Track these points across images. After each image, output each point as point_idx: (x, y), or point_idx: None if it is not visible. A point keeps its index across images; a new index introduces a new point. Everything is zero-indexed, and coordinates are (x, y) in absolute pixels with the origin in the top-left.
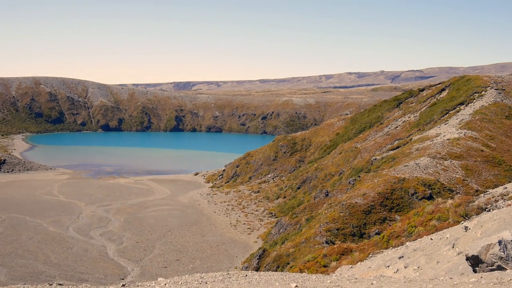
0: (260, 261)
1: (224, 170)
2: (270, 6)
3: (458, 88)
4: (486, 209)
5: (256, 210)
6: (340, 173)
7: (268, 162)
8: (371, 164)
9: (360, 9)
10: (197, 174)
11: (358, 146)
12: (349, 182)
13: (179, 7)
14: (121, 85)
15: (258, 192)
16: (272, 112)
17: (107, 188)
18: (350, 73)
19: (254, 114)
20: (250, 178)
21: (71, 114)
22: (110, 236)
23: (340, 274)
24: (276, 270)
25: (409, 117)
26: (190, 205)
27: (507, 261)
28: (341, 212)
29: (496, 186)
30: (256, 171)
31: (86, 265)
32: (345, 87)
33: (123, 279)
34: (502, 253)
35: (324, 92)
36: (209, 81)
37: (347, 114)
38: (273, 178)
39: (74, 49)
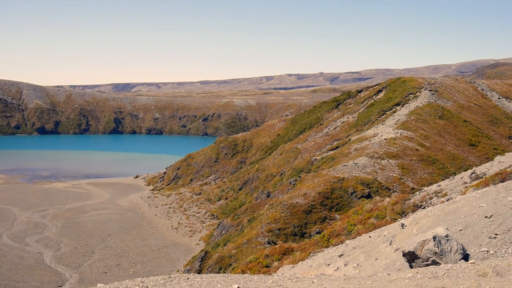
0: (202, 263)
1: (165, 173)
2: (210, 9)
3: (394, 90)
4: (421, 206)
5: (198, 212)
6: (281, 174)
7: (210, 164)
8: (311, 164)
9: (300, 11)
10: (137, 177)
11: (299, 146)
12: (290, 183)
13: (117, 7)
14: (57, 86)
15: (199, 194)
16: (213, 114)
17: (43, 193)
18: (290, 75)
19: (195, 116)
20: (191, 180)
21: (4, 117)
22: (47, 242)
23: (282, 274)
24: (218, 272)
25: (347, 118)
26: (130, 208)
27: (441, 256)
28: (282, 213)
29: (430, 184)
30: (197, 173)
31: (21, 273)
32: (286, 88)
33: (61, 286)
34: (437, 249)
35: (265, 94)
36: (149, 82)
37: (288, 115)
38: (214, 180)
39: (7, 49)
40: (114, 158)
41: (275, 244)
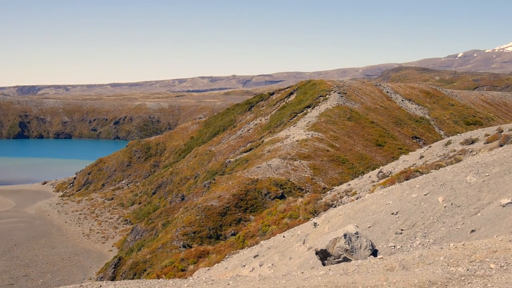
0: (115, 270)
1: (75, 178)
2: (119, 9)
3: (305, 92)
4: (333, 205)
5: (111, 218)
6: (196, 177)
7: (122, 168)
8: (226, 167)
9: (212, 15)
10: (45, 183)
11: (213, 149)
12: (205, 185)
13: (17, 2)
14: None
15: (112, 199)
16: (125, 117)
17: None
18: (203, 77)
19: (106, 119)
20: (103, 185)
21: None
22: None
23: (198, 277)
24: (133, 278)
25: (260, 120)
26: (38, 216)
27: (352, 253)
28: (197, 215)
29: (341, 183)
30: (109, 178)
31: None
32: (199, 91)
33: None
34: (347, 246)
35: (178, 96)
36: (57, 84)
37: (201, 118)
38: (127, 184)
39: None
40: (19, 164)
41: (191, 247)
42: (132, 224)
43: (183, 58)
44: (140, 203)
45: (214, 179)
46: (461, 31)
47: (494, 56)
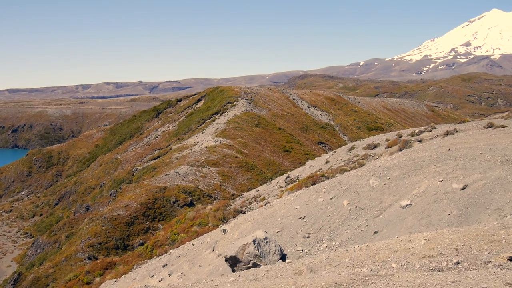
0: (15, 286)
1: None
2: (18, 9)
3: (213, 99)
4: (242, 211)
5: (9, 231)
6: (101, 186)
7: (21, 178)
8: (133, 175)
9: (114, 19)
10: None
11: (119, 157)
12: (111, 194)
13: None
14: None
15: (10, 211)
16: (24, 124)
17: None
18: (108, 83)
19: (3, 127)
20: (0, 196)
21: None
22: None
23: None
24: None
25: (168, 127)
26: None
27: (261, 258)
28: (103, 226)
29: (249, 189)
30: (7, 189)
31: None
32: (104, 97)
33: None
34: (257, 251)
35: (82, 103)
36: None
37: (107, 125)
38: (27, 195)
39: None
40: None
41: (96, 259)
42: (33, 237)
43: (87, 64)
44: (41, 214)
45: (120, 188)
46: (363, 40)
47: (393, 64)
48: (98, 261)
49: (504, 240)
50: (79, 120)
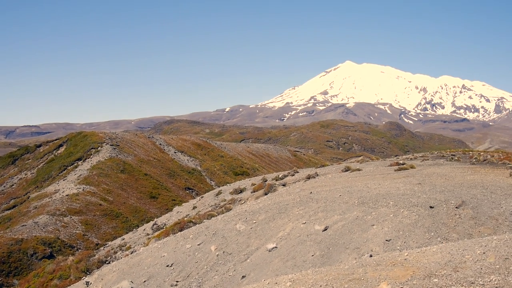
0: None
1: None
2: None
3: (76, 144)
4: (107, 262)
5: None
6: None
7: None
8: None
9: None
10: None
11: None
12: None
13: None
14: None
15: None
16: None
17: None
18: None
19: None
20: None
21: None
22: None
23: None
24: None
25: (26, 174)
26: None
27: None
28: None
29: (114, 238)
30: None
31: None
32: None
33: None
34: None
35: None
36: None
37: None
38: None
39: None
40: None
41: None
42: None
43: None
44: None
45: None
46: (228, 87)
47: (258, 111)
48: None
49: (362, 278)
50: None
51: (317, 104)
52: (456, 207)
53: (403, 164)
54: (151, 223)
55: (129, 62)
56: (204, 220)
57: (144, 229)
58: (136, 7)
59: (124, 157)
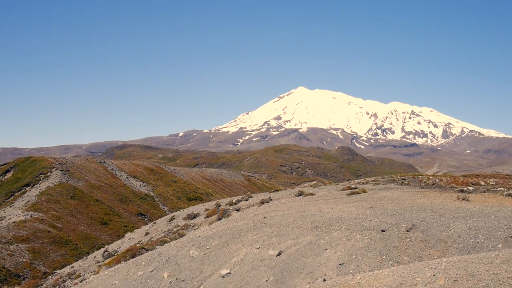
0: None
1: None
2: None
3: (24, 169)
4: None
5: None
6: None
7: None
8: None
9: None
10: None
11: None
12: None
13: None
14: None
15: None
16: None
17: None
18: None
19: None
20: None
21: None
22: None
23: None
24: None
25: None
26: None
27: None
28: None
29: (64, 266)
30: None
31: None
32: None
33: None
34: None
35: None
36: None
37: None
38: None
39: None
40: None
41: None
42: None
43: None
44: None
45: None
46: (181, 112)
47: (211, 136)
48: None
49: None
50: None
51: (270, 129)
52: (407, 231)
53: (355, 188)
54: (102, 250)
55: (80, 85)
56: (157, 246)
57: (94, 257)
58: (85, 28)
59: (74, 183)
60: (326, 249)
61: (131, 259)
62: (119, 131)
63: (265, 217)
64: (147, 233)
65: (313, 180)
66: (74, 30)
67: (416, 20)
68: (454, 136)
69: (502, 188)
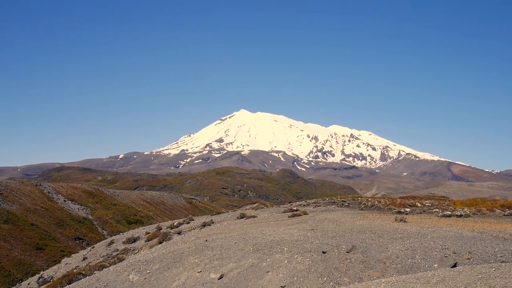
0: None
1: None
2: None
3: None
4: None
5: None
6: None
7: None
8: None
9: None
10: None
11: None
12: None
13: None
14: None
15: None
16: None
17: None
18: None
19: None
20: None
21: None
22: None
23: None
24: None
25: None
26: None
27: None
28: None
29: None
30: None
31: None
32: None
33: None
34: None
35: None
36: None
37: None
38: None
39: None
40: None
41: None
42: None
43: None
44: None
45: None
46: (121, 134)
47: (152, 158)
48: None
49: None
50: None
51: (212, 152)
52: (347, 252)
53: (296, 210)
54: (37, 276)
55: (14, 104)
56: (95, 272)
57: (28, 283)
58: (18, 50)
59: (8, 206)
60: (268, 272)
61: (67, 286)
62: (56, 153)
63: (207, 240)
64: (85, 258)
65: (255, 203)
66: None
67: (352, 48)
68: (392, 159)
69: (437, 210)
